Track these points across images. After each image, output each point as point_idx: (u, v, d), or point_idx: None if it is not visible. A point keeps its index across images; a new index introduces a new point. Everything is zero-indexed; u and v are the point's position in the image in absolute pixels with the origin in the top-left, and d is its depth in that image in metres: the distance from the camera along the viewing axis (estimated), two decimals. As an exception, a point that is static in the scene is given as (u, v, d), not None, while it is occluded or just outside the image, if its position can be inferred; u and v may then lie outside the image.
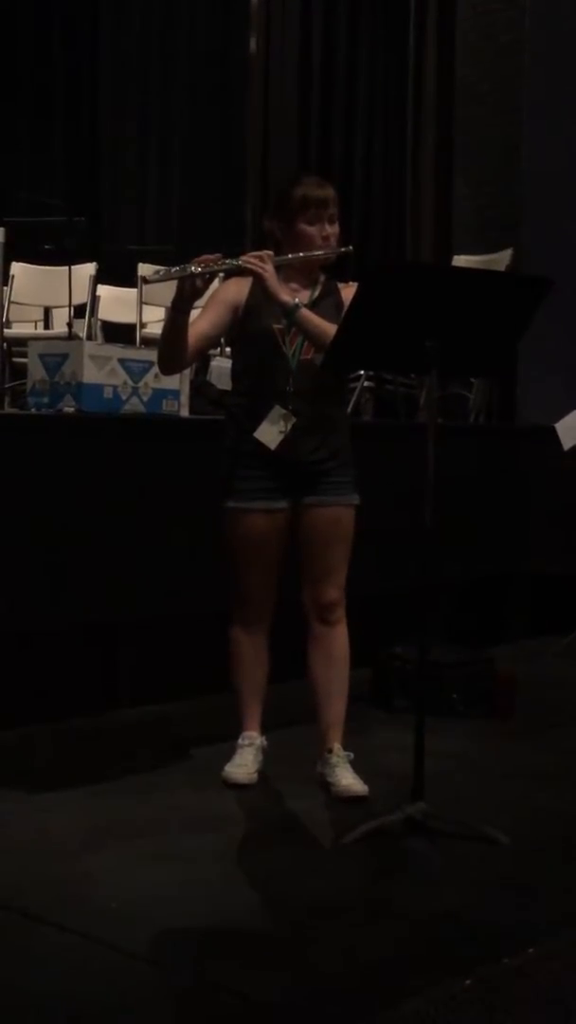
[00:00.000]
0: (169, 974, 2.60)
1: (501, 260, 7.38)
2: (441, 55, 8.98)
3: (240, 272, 3.64)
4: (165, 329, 3.67)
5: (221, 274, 3.78)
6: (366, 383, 6.80)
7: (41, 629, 4.33)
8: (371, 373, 6.65)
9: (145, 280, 3.72)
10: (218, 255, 3.53)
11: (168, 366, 3.79)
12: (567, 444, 5.95)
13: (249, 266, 3.58)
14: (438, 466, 3.48)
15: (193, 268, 3.49)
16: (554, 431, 6.02)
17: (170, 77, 10.20)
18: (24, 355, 5.14)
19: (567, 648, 5.87)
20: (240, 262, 3.58)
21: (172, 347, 3.66)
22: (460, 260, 7.55)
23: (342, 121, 10.28)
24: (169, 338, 3.65)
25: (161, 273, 3.60)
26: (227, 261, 3.55)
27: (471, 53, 8.19)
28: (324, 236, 3.70)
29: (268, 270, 3.59)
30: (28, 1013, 2.43)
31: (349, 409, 6.32)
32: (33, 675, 4.37)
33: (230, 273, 3.70)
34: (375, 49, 10.26)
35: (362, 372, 6.51)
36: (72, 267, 6.58)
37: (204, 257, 3.51)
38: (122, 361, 4.70)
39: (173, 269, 3.53)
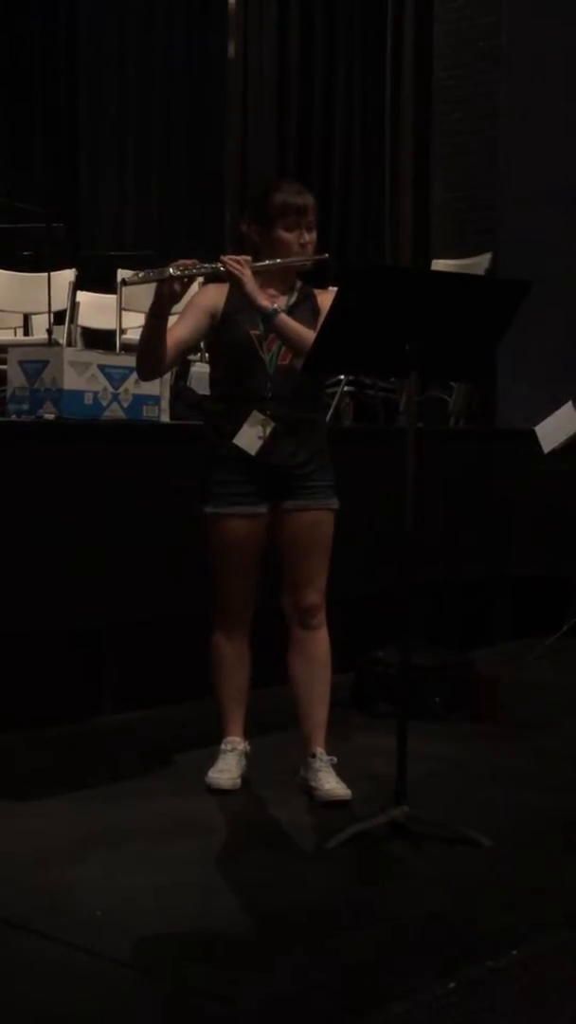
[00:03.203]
0: (153, 980, 2.60)
1: (480, 264, 7.41)
2: (419, 60, 9.02)
3: (218, 275, 3.65)
4: (143, 334, 3.68)
5: (200, 280, 3.79)
6: (346, 387, 6.81)
7: (23, 634, 4.32)
8: (351, 377, 6.66)
9: (124, 282, 3.73)
10: (194, 260, 3.54)
11: (146, 371, 3.79)
12: (547, 447, 5.98)
13: (228, 269, 3.59)
14: (418, 470, 3.48)
15: (171, 271, 3.50)
16: (534, 434, 6.04)
17: (148, 82, 10.19)
18: (3, 362, 5.13)
19: (549, 650, 5.89)
20: (219, 265, 3.59)
21: (150, 352, 3.66)
22: (439, 264, 7.57)
23: (320, 126, 10.31)
24: (147, 343, 3.65)
25: (140, 275, 3.61)
26: (205, 265, 3.56)
27: (449, 58, 8.23)
28: (302, 243, 3.71)
29: (247, 274, 3.60)
30: (12, 1022, 2.42)
31: (329, 414, 6.33)
32: (15, 681, 4.36)
33: (208, 276, 3.70)
34: (353, 54, 10.29)
35: (342, 376, 6.52)
36: (51, 273, 6.57)
37: (182, 261, 3.52)
38: (102, 367, 4.70)
39: (151, 271, 3.55)
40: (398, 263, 8.85)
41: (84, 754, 4.23)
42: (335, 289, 3.49)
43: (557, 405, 6.05)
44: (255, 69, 10.33)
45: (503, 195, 7.43)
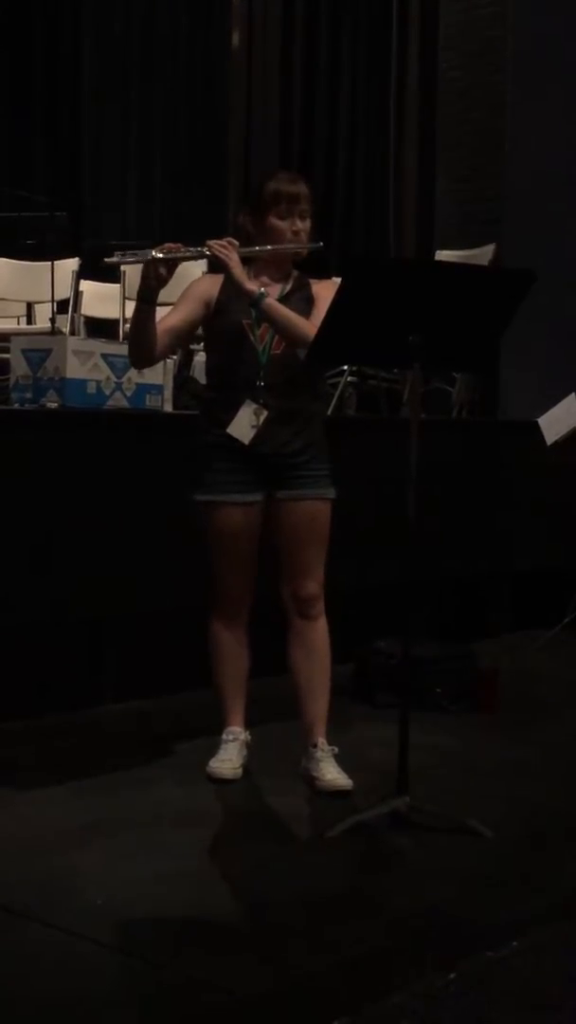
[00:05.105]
0: (153, 969, 2.60)
1: (483, 255, 7.39)
2: (424, 51, 9.00)
3: (204, 259, 3.64)
4: (132, 320, 3.67)
5: (204, 271, 3.77)
6: (349, 378, 6.80)
7: (24, 624, 4.32)
8: (354, 368, 6.65)
9: (105, 262, 3.67)
10: (179, 244, 3.53)
11: (137, 358, 3.78)
12: (550, 439, 5.97)
13: (213, 252, 3.58)
14: (421, 461, 3.48)
15: (154, 253, 3.49)
16: (536, 426, 6.04)
17: (152, 72, 10.17)
18: (7, 351, 5.12)
19: (550, 642, 5.89)
20: (204, 248, 3.58)
21: (139, 339, 3.65)
22: (442, 255, 7.56)
23: (324, 117, 10.28)
24: (136, 328, 3.64)
25: (121, 255, 3.58)
26: (190, 248, 3.55)
27: (454, 49, 8.21)
28: (294, 231, 3.69)
29: (233, 258, 3.58)
30: (13, 1010, 2.42)
31: (332, 404, 6.34)
32: (16, 670, 4.36)
33: (193, 260, 3.69)
34: (358, 45, 10.25)
35: (345, 367, 6.51)
36: (54, 262, 6.56)
37: (167, 244, 3.51)
38: (105, 356, 4.69)
39: (134, 252, 3.53)
40: (402, 254, 8.83)
41: (85, 744, 4.23)
42: (334, 279, 3.48)
43: (560, 396, 6.04)
44: (259, 59, 10.30)
45: (507, 186, 7.41)
